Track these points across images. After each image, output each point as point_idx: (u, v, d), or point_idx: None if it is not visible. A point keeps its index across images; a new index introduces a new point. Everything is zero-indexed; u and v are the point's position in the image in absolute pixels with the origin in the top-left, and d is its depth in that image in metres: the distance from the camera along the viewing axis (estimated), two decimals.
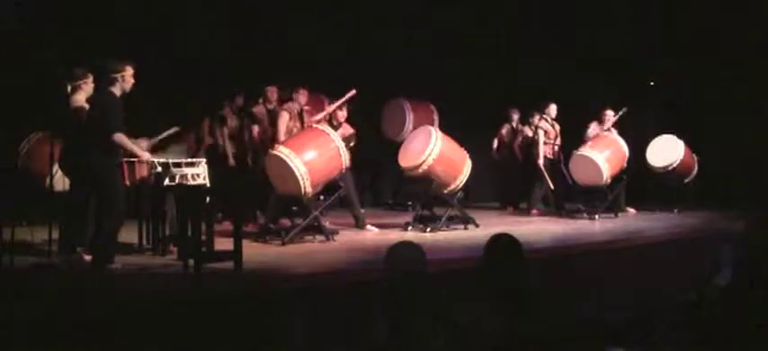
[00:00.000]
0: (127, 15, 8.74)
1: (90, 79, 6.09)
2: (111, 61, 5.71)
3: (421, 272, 3.09)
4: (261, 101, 8.60)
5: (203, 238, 5.65)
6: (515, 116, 10.77)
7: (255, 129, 8.50)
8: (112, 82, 5.67)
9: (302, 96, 8.02)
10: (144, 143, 6.27)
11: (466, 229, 8.16)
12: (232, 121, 8.99)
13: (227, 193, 7.81)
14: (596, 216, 9.15)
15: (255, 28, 9.74)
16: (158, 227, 6.48)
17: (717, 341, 3.11)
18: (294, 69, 9.26)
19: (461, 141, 8.26)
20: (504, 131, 10.83)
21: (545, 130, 9.75)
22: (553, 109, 9.85)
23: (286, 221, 7.65)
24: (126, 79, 5.68)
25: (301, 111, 8.01)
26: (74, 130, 5.81)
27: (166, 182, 6.18)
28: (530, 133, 10.21)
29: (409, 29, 10.56)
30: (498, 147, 10.84)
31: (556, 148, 9.86)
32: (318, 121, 7.70)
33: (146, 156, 6.04)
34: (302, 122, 7.91)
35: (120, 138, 5.61)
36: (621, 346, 3.01)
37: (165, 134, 6.68)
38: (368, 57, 10.34)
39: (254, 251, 6.38)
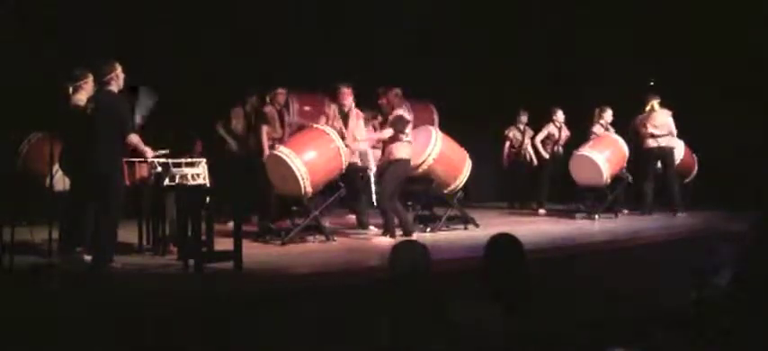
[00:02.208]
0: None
1: (90, 79, 6.10)
2: (101, 66, 5.79)
3: (425, 271, 3.09)
4: (269, 100, 8.55)
5: (203, 238, 5.65)
6: (524, 118, 10.74)
7: (265, 128, 8.37)
8: (109, 83, 5.75)
9: (345, 96, 7.45)
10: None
11: (466, 229, 8.16)
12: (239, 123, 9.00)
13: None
14: (596, 216, 9.15)
15: (255, 28, 9.73)
16: (158, 227, 6.48)
17: (717, 341, 3.11)
18: (294, 70, 9.25)
19: (461, 141, 8.26)
20: (510, 135, 10.81)
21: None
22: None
23: (286, 222, 7.63)
24: (119, 76, 5.79)
25: (347, 112, 7.45)
26: (75, 130, 5.81)
27: (166, 182, 6.19)
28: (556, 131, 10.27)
29: (409, 28, 10.55)
30: (507, 151, 10.87)
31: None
32: None
33: (151, 154, 6.07)
34: (346, 124, 7.44)
35: (134, 138, 5.75)
36: (621, 346, 3.00)
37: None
38: (368, 57, 10.32)
39: (254, 251, 6.38)
